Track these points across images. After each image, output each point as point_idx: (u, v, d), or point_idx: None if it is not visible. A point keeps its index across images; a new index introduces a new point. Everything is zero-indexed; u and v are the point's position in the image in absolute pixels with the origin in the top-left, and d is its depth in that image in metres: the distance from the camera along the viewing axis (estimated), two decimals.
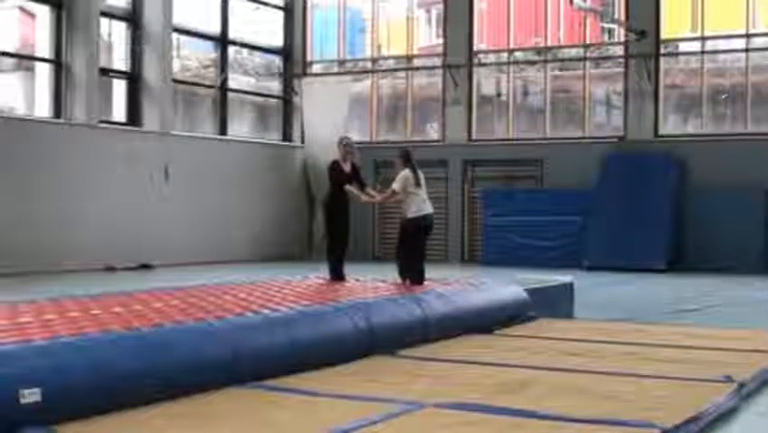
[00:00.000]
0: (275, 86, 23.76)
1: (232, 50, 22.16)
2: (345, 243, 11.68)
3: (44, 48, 17.99)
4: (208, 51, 22.10)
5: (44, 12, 17.99)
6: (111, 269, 17.35)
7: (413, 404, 6.13)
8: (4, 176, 16.25)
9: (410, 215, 10.92)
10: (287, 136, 23.29)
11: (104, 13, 18.57)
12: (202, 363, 6.65)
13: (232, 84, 22.00)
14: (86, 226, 17.45)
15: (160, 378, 6.32)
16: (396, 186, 10.98)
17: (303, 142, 23.02)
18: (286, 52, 23.52)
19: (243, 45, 22.73)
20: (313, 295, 9.31)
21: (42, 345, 6.00)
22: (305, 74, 23.58)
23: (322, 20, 24.32)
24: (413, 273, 11.03)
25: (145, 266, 17.99)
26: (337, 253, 11.62)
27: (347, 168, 11.46)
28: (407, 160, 11.09)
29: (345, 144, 11.60)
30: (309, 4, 23.83)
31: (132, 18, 19.37)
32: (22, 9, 18.62)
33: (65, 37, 17.85)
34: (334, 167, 11.47)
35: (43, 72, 18.02)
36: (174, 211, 19.21)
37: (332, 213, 11.54)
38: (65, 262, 16.76)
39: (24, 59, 18.39)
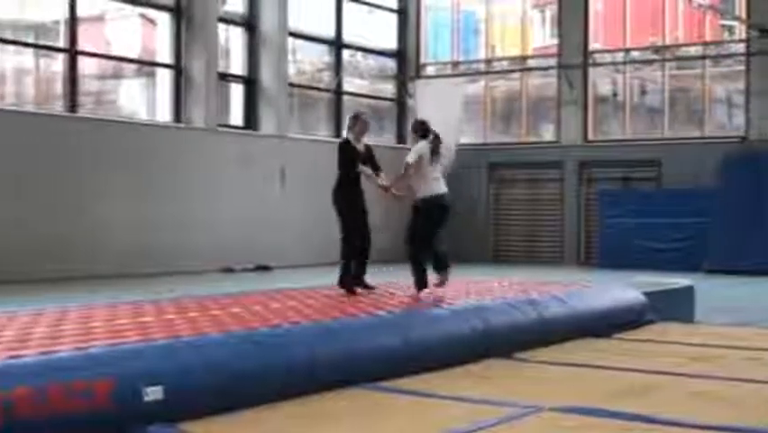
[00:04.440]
0: (389, 88, 23.86)
1: (346, 53, 22.34)
2: (366, 240, 9.84)
3: (164, 54, 18.41)
4: (323, 55, 22.31)
5: (164, 19, 18.42)
6: (229, 270, 17.64)
7: (529, 407, 6.08)
8: (127, 179, 16.68)
9: (424, 194, 9.40)
10: (401, 138, 23.35)
11: (221, 19, 18.92)
12: (318, 363, 6.71)
13: (346, 87, 22.17)
14: (206, 228, 17.79)
15: (278, 378, 6.40)
16: (409, 157, 9.36)
17: None
18: (400, 55, 23.60)
19: (358, 48, 22.89)
20: (428, 297, 9.30)
21: (164, 345, 6.14)
22: (418, 76, 23.63)
23: (436, 22, 24.32)
24: (439, 266, 9.61)
25: (263, 268, 18.24)
26: (355, 253, 9.80)
27: (360, 146, 9.84)
28: (426, 132, 9.63)
29: (363, 120, 9.94)
30: (423, 7, 23.87)
31: (249, 23, 19.68)
32: (143, 16, 19.08)
33: (184, 43, 18.24)
34: (346, 146, 9.78)
35: (164, 78, 18.44)
36: (290, 213, 19.44)
37: (344, 204, 9.82)
38: (184, 264, 17.10)
39: (146, 65, 18.85)
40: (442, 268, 9.62)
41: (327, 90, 21.72)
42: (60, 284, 14.03)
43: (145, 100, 18.83)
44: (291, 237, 19.42)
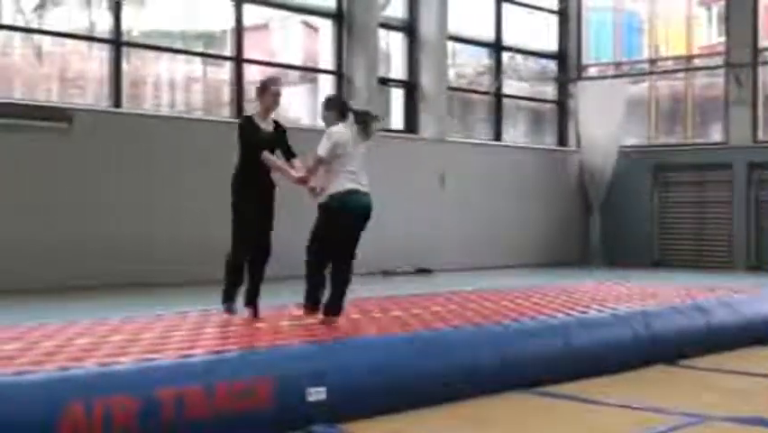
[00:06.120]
0: (549, 90, 23.63)
1: (506, 55, 22.22)
2: (263, 247, 7.75)
3: (326, 60, 18.71)
4: (482, 58, 22.26)
5: (326, 25, 18.71)
6: (389, 273, 17.79)
7: (696, 417, 5.92)
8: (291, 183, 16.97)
9: (332, 190, 7.36)
10: (562, 141, 23.09)
11: (382, 25, 19.09)
12: (478, 366, 6.71)
13: (506, 89, 22.06)
14: (366, 232, 17.94)
15: (438, 380, 6.43)
16: (320, 149, 7.32)
17: (578, 146, 22.77)
18: (560, 56, 23.34)
19: (517, 51, 22.73)
20: (591, 301, 9.17)
21: (327, 346, 6.24)
22: (580, 77, 23.31)
23: (597, 22, 23.94)
24: (335, 293, 7.42)
25: (423, 271, 18.32)
26: (241, 262, 7.75)
27: (268, 126, 7.80)
28: (341, 110, 7.61)
29: (273, 90, 7.78)
30: (584, 7, 23.53)
31: (409, 28, 19.80)
32: (305, 24, 19.43)
33: (346, 49, 18.49)
34: (246, 125, 7.74)
35: (326, 83, 18.73)
36: (450, 216, 19.47)
37: (238, 198, 7.69)
38: None
39: (309, 72, 19.19)
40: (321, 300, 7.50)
41: (487, 93, 21.65)
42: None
43: (308, 106, 19.16)
44: (451, 240, 19.44)
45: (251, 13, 17.31)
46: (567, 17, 23.20)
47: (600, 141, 21.95)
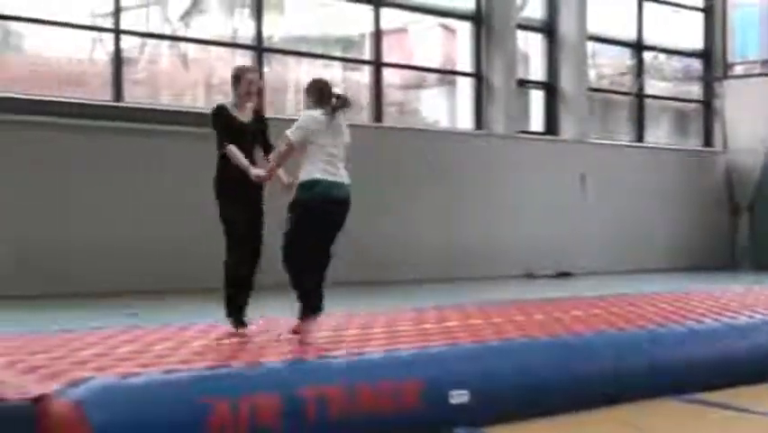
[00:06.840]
0: (694, 90, 23.06)
1: (648, 55, 21.79)
2: (253, 249, 6.99)
3: (465, 62, 18.67)
4: (624, 58, 21.87)
5: (464, 28, 18.67)
6: (531, 276, 17.65)
7: None
8: (430, 185, 17.01)
9: (304, 178, 6.50)
10: (707, 142, 22.50)
11: (520, 26, 18.95)
12: (623, 372, 6.58)
13: (648, 90, 21.63)
14: (507, 234, 17.86)
15: (582, 386, 6.32)
16: (291, 132, 6.54)
17: (725, 147, 22.15)
18: (705, 54, 22.75)
19: (660, 50, 22.26)
20: (740, 307, 8.88)
21: (470, 349, 6.21)
22: (726, 76, 22.67)
23: (744, 19, 23.25)
24: (302, 294, 6.65)
25: (564, 274, 18.11)
26: (244, 270, 6.93)
27: (245, 116, 7.03)
28: (322, 96, 6.69)
29: (249, 78, 7.05)
30: (729, 4, 22.88)
31: (548, 29, 19.61)
32: (443, 27, 19.44)
33: (484, 51, 18.42)
34: (219, 114, 6.96)
35: (464, 86, 18.70)
36: (591, 219, 19.19)
37: (223, 203, 6.97)
38: (486, 269, 17.25)
39: (447, 75, 19.19)
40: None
41: (629, 94, 21.27)
42: (366, 288, 14.52)
43: (446, 108, 19.16)
44: (592, 243, 19.16)
45: (390, 17, 17.41)
46: (712, 14, 22.61)
47: (748, 141, 21.32)
